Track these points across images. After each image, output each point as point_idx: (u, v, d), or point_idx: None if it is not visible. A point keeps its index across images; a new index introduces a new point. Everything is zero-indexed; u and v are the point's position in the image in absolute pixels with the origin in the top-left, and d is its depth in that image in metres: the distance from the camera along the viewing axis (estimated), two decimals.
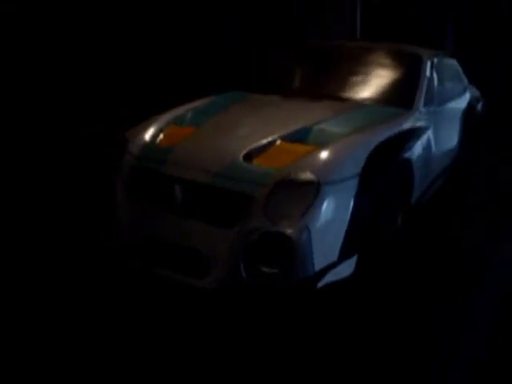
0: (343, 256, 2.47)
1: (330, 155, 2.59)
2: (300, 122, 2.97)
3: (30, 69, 6.14)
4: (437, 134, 3.56)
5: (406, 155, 3.02)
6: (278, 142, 2.74)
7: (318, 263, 2.38)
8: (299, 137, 2.79)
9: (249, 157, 2.62)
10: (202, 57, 6.86)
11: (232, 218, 2.44)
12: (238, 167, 2.57)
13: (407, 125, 3.22)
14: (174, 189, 2.62)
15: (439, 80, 3.84)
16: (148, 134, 3.00)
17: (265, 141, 2.74)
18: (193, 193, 2.60)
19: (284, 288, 2.41)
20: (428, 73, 3.67)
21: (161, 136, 2.99)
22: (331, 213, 2.42)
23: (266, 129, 2.89)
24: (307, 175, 2.44)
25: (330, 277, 2.45)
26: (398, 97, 3.49)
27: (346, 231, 2.45)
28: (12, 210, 3.57)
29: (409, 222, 3.18)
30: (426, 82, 3.59)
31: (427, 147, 3.38)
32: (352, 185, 2.50)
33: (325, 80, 3.86)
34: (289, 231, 2.33)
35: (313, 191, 2.39)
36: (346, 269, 2.51)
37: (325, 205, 2.39)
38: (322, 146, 2.65)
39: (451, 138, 4.10)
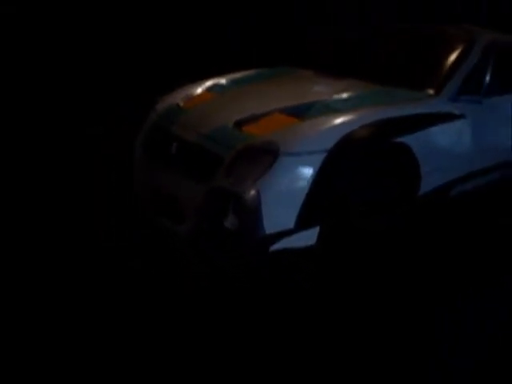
0: (300, 225, 2.55)
1: (302, 129, 2.70)
2: (311, 96, 3.07)
3: (30, 69, 6.15)
4: (480, 126, 3.32)
5: (402, 140, 2.86)
6: (274, 114, 2.85)
7: (269, 227, 2.50)
8: (298, 110, 2.84)
9: (240, 123, 2.79)
10: (202, 56, 6.86)
11: (206, 175, 2.66)
12: (224, 131, 2.79)
13: (423, 109, 3.06)
14: (172, 146, 2.90)
15: (499, 68, 3.55)
16: (176, 97, 3.32)
17: (264, 110, 2.86)
18: (184, 150, 2.86)
19: (238, 245, 2.59)
20: (476, 59, 3.42)
21: (188, 99, 3.27)
22: (287, 182, 2.53)
23: (274, 100, 3.01)
24: (268, 144, 2.60)
25: (286, 243, 2.55)
26: (429, 81, 3.32)
27: (304, 203, 2.53)
28: (12, 210, 3.56)
29: (420, 212, 3.07)
30: (468, 68, 3.36)
31: (454, 137, 3.19)
32: (316, 159, 2.55)
33: (364, 60, 3.87)
34: (240, 192, 2.50)
35: (270, 159, 2.53)
36: (306, 239, 2.60)
37: (280, 173, 2.52)
38: (307, 119, 2.75)
39: (508, 133, 3.67)
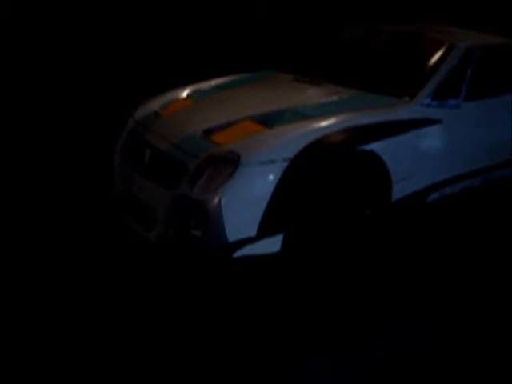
0: (262, 233, 2.58)
1: (266, 137, 2.72)
2: (286, 103, 3.06)
3: (30, 69, 6.15)
4: (458, 130, 3.29)
5: (370, 147, 2.83)
6: (245, 121, 2.87)
7: (232, 234, 2.55)
8: (268, 118, 2.87)
9: (209, 132, 2.82)
10: (202, 56, 6.87)
11: (173, 183, 2.70)
12: (192, 140, 2.82)
13: (395, 116, 3.03)
14: (145, 153, 2.95)
15: (481, 72, 3.48)
16: (155, 103, 3.33)
17: (237, 118, 2.89)
18: (155, 158, 2.90)
19: (202, 252, 2.63)
20: (455, 64, 3.36)
21: (166, 106, 3.27)
22: (248, 191, 2.57)
23: (249, 107, 3.04)
24: (229, 153, 2.64)
25: (249, 250, 2.59)
26: (404, 87, 3.28)
27: (266, 210, 2.56)
28: (12, 210, 3.57)
29: (394, 218, 3.06)
30: (445, 73, 3.30)
31: (429, 143, 3.15)
32: (278, 168, 2.58)
33: (342, 65, 3.80)
34: (201, 200, 2.55)
35: (231, 168, 2.58)
36: (269, 246, 2.63)
37: (241, 182, 2.56)
38: (274, 127, 2.77)
39: (492, 137, 3.58)
